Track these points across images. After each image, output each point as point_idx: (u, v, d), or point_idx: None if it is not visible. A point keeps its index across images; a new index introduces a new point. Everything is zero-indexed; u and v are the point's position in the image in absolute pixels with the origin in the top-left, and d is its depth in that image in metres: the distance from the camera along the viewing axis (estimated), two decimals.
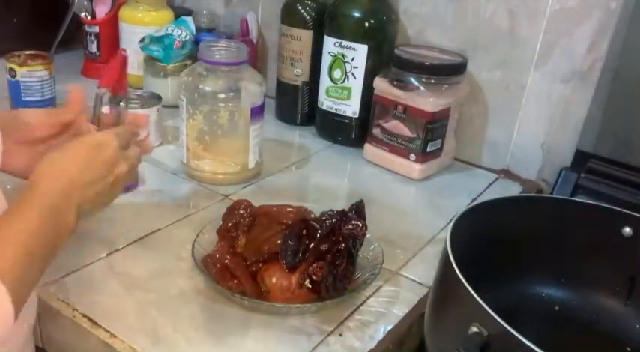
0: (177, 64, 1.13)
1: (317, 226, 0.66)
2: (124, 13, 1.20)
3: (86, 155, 0.59)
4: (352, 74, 1.02)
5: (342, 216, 0.67)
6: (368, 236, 0.68)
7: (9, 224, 0.51)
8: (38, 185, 0.55)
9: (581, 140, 0.93)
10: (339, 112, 1.06)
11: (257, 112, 0.90)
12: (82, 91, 0.71)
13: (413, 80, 0.95)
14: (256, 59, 1.22)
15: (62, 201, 0.55)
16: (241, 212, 0.71)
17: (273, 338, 0.62)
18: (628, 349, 0.63)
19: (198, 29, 1.21)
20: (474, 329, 0.48)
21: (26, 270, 0.50)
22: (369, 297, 0.70)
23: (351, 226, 0.66)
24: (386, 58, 1.00)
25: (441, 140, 0.99)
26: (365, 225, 0.67)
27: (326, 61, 1.04)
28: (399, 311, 0.68)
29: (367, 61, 1.01)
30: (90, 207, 0.59)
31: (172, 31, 1.12)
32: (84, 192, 0.57)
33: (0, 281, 0.47)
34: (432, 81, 0.95)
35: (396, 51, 0.98)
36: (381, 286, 0.72)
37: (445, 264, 0.54)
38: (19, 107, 1.00)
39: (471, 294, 0.49)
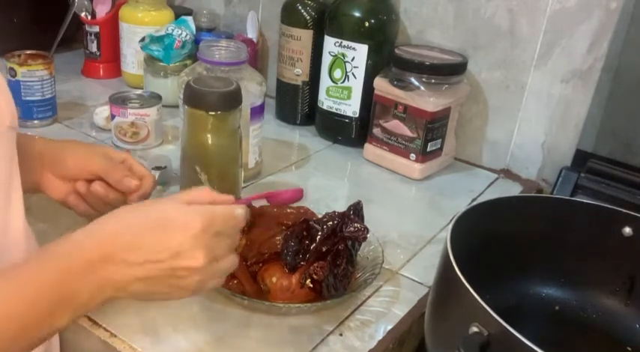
0: (177, 64, 1.13)
1: (318, 227, 0.66)
2: (124, 12, 1.20)
3: (152, 227, 0.48)
4: (352, 74, 1.02)
5: (343, 217, 0.67)
6: (368, 236, 0.68)
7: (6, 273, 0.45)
8: (75, 238, 0.47)
9: (581, 140, 0.93)
10: (339, 112, 1.06)
11: (257, 112, 0.90)
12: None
13: (413, 80, 0.95)
14: (256, 59, 1.21)
15: (85, 270, 0.46)
16: None
17: (273, 338, 0.62)
18: (628, 349, 0.63)
19: (199, 29, 1.21)
20: (474, 329, 0.48)
21: None
22: (369, 297, 0.70)
23: (352, 229, 0.66)
24: (386, 58, 1.00)
25: (441, 140, 0.99)
26: (366, 228, 0.67)
27: (326, 60, 1.04)
28: (399, 310, 0.68)
29: (367, 61, 1.01)
30: (123, 293, 0.49)
31: (172, 30, 1.12)
32: (122, 271, 0.47)
33: None
34: (432, 81, 0.95)
35: (396, 51, 0.98)
36: (381, 286, 0.72)
37: (445, 263, 0.54)
38: (18, 107, 1.00)
39: (471, 294, 0.49)
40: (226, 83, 0.75)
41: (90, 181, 0.68)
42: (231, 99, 0.75)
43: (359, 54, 1.01)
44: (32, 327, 0.44)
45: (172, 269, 0.48)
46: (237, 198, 0.74)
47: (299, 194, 0.65)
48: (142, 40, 1.13)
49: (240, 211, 0.53)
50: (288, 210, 0.72)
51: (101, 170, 0.67)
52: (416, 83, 0.95)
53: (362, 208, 0.71)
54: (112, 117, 0.97)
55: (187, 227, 0.48)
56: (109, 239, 0.47)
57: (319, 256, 0.65)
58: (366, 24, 1.00)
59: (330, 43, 1.03)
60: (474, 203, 0.65)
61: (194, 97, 0.73)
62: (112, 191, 0.68)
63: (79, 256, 0.46)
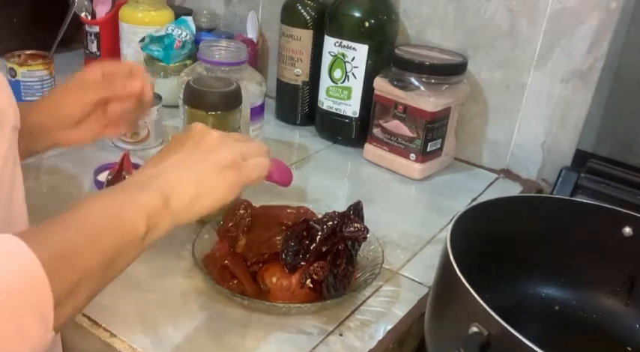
0: (177, 64, 1.13)
1: (318, 227, 0.66)
2: (124, 12, 1.19)
3: (173, 140, 0.56)
4: (352, 74, 1.02)
5: (343, 217, 0.67)
6: (368, 236, 0.68)
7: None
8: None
9: (581, 140, 0.93)
10: (339, 112, 1.06)
11: (257, 112, 0.90)
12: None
13: (413, 80, 0.95)
14: (256, 59, 1.21)
15: (137, 183, 0.49)
16: (241, 212, 0.71)
17: (273, 338, 0.62)
18: (628, 349, 0.63)
19: (199, 29, 1.21)
20: (474, 329, 0.48)
21: (72, 251, 0.42)
22: (369, 297, 0.70)
23: (352, 229, 0.66)
24: (386, 58, 1.00)
25: (441, 140, 0.99)
26: (366, 229, 0.67)
27: (326, 60, 1.04)
28: (399, 310, 0.68)
29: (367, 61, 1.01)
30: (186, 194, 0.50)
31: (172, 30, 1.12)
32: (168, 176, 0.50)
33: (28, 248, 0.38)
34: (432, 81, 0.95)
35: (396, 51, 0.98)
36: (381, 286, 0.72)
37: (445, 263, 0.54)
38: None
39: (471, 294, 0.49)
40: (226, 83, 0.75)
41: (102, 106, 0.68)
42: (231, 99, 0.75)
43: (359, 54, 1.01)
44: (110, 233, 0.45)
45: (199, 143, 0.54)
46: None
47: (287, 171, 0.68)
48: (142, 40, 1.13)
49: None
50: (288, 210, 0.72)
51: (101, 94, 0.67)
52: (416, 83, 0.95)
53: (362, 208, 0.71)
54: None
55: (197, 124, 0.56)
56: (151, 159, 0.54)
57: (319, 256, 0.65)
58: (366, 24, 1.00)
59: (330, 43, 1.03)
60: (474, 203, 0.65)
61: (194, 97, 0.73)
62: (126, 103, 0.68)
63: (130, 179, 0.52)
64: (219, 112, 0.73)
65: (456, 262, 0.52)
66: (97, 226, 0.45)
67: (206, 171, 0.52)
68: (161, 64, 1.13)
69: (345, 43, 1.01)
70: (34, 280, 0.38)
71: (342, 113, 1.06)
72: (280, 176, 0.65)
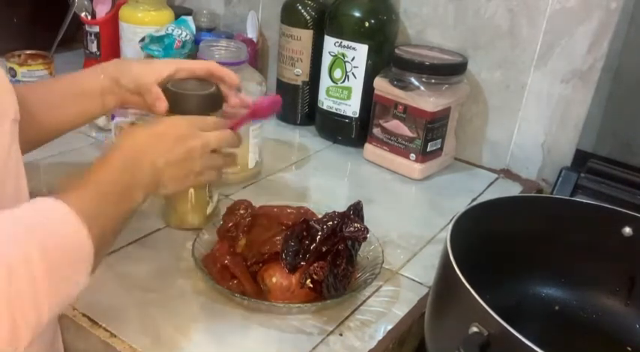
0: None
1: (318, 227, 0.66)
2: (124, 12, 1.19)
3: (160, 130, 0.65)
4: (352, 74, 1.02)
5: (343, 217, 0.67)
6: (368, 236, 0.68)
7: (90, 172, 0.57)
8: (116, 146, 0.61)
9: (581, 140, 0.93)
10: (339, 112, 1.06)
11: None
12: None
13: (413, 80, 0.95)
14: (256, 59, 1.21)
15: (135, 158, 0.60)
16: (241, 212, 0.71)
17: (273, 338, 0.62)
18: (628, 349, 0.63)
19: (199, 29, 1.21)
20: (474, 329, 0.48)
21: (101, 211, 0.54)
22: (369, 297, 0.70)
23: (352, 229, 0.66)
24: (386, 58, 1.00)
25: (441, 140, 0.99)
26: (366, 229, 0.67)
27: (326, 60, 1.04)
28: (399, 310, 0.68)
29: (367, 61, 1.01)
30: (163, 178, 0.63)
31: (172, 30, 1.12)
32: (154, 159, 0.62)
33: (77, 216, 0.49)
34: (432, 81, 0.95)
35: (396, 51, 0.98)
36: (381, 286, 0.72)
37: (445, 264, 0.54)
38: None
39: (471, 294, 0.49)
40: (205, 86, 0.72)
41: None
42: (208, 103, 0.69)
43: (359, 54, 1.01)
44: (123, 201, 0.58)
45: (186, 152, 0.64)
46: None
47: (277, 99, 0.74)
48: (142, 40, 1.13)
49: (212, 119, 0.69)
50: (288, 210, 0.72)
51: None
52: (416, 83, 0.95)
53: (362, 208, 0.71)
54: (112, 117, 0.97)
55: (181, 122, 0.67)
56: (139, 138, 0.63)
57: (319, 256, 0.65)
58: (366, 24, 1.00)
59: (330, 43, 1.03)
60: (474, 203, 0.65)
61: (169, 100, 0.70)
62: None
63: (128, 151, 0.61)
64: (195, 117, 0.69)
65: (456, 262, 0.52)
66: (116, 196, 0.57)
67: (181, 175, 0.65)
68: None
69: (345, 43, 1.01)
70: (84, 239, 0.50)
71: (342, 113, 1.06)
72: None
